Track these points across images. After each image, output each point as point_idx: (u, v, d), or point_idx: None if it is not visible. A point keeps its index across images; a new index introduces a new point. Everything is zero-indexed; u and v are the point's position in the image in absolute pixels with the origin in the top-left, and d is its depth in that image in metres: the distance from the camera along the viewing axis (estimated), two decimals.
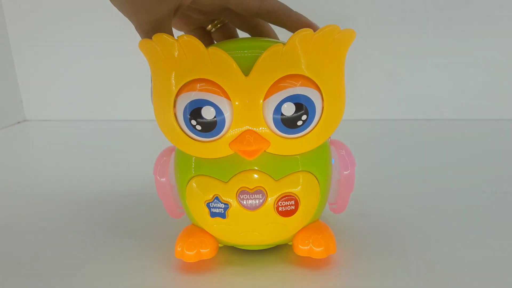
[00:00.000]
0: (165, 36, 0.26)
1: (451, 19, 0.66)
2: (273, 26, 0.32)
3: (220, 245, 0.31)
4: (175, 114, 0.27)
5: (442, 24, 0.66)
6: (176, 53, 0.26)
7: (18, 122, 0.81)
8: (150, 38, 0.26)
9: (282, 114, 0.25)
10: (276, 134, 0.26)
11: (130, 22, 0.28)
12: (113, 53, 0.75)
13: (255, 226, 0.28)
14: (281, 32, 0.31)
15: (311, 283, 0.28)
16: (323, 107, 0.26)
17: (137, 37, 0.28)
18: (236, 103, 0.25)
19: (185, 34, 0.25)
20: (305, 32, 0.25)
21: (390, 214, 0.37)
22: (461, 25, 0.66)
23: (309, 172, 0.28)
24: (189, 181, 0.28)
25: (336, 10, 0.64)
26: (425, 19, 0.66)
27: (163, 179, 0.31)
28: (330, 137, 0.31)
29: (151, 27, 0.28)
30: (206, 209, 0.28)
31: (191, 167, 0.28)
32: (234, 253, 0.32)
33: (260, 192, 0.27)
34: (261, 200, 0.27)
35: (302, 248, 0.29)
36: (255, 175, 0.27)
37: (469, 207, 0.39)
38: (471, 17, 0.65)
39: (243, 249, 0.31)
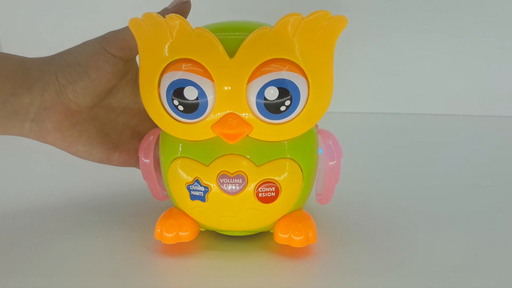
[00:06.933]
0: (153, 14, 0.26)
1: (447, 10, 0.65)
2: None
3: (201, 229, 0.31)
4: (159, 94, 0.26)
5: (436, 15, 0.65)
6: (163, 32, 0.25)
7: None
8: None
9: (265, 99, 0.25)
10: (259, 118, 0.26)
11: None
12: None
13: (235, 211, 0.28)
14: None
15: (288, 270, 0.28)
16: (308, 94, 0.26)
17: None
18: (221, 86, 0.25)
19: (174, 14, 0.25)
20: (293, 16, 0.24)
21: (375, 207, 0.37)
22: (457, 18, 0.65)
23: (292, 159, 0.27)
24: (171, 162, 0.28)
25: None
26: (419, 10, 0.65)
27: (148, 160, 0.31)
28: (318, 127, 0.31)
29: None
30: (187, 192, 0.28)
31: (174, 149, 0.28)
32: (215, 238, 0.31)
33: (241, 177, 0.26)
34: (241, 185, 0.26)
35: (282, 236, 0.29)
36: (236, 160, 0.26)
37: (452, 200, 0.38)
38: (467, 10, 0.64)
39: (224, 235, 0.31)
